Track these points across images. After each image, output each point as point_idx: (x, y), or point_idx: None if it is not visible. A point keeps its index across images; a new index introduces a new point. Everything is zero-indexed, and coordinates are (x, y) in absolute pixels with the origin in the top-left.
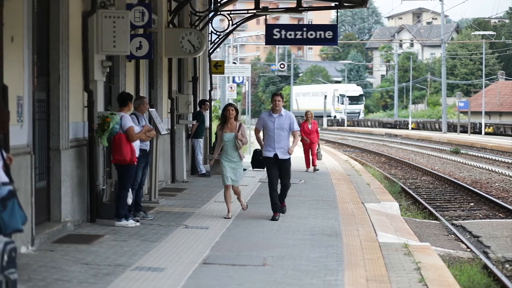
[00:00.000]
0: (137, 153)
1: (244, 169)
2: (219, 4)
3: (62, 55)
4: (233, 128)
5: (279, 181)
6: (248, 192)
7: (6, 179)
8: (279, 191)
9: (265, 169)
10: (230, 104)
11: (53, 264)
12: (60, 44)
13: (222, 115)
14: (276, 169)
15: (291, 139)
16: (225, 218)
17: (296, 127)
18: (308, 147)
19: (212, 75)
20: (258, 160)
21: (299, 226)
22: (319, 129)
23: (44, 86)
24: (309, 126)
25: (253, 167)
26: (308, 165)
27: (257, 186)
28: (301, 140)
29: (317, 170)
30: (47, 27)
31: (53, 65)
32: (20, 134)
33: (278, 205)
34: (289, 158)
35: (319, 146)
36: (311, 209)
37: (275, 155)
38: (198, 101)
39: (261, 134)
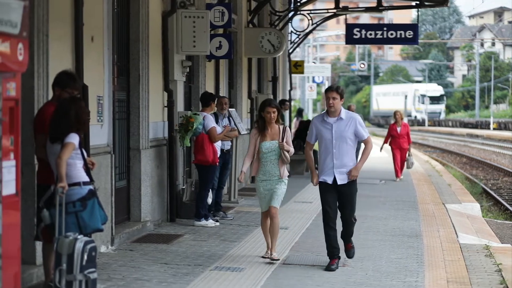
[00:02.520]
0: (218, 153)
1: None
2: (299, 4)
3: (142, 55)
4: (274, 134)
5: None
6: None
7: (86, 179)
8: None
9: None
10: (269, 104)
11: (132, 263)
12: (140, 44)
13: (259, 116)
14: (335, 197)
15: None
16: (263, 257)
17: (365, 133)
18: (397, 153)
19: (292, 75)
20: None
21: (379, 227)
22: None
23: (124, 86)
24: (398, 129)
25: None
26: (398, 174)
27: None
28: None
29: (401, 179)
30: (127, 27)
31: (133, 65)
32: (100, 133)
33: (337, 249)
34: (354, 181)
35: (410, 152)
36: (391, 210)
37: (335, 179)
38: (278, 101)
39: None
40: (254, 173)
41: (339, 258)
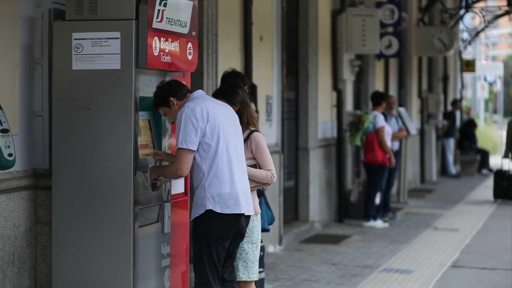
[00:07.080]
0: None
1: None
2: (470, 1)
3: (311, 54)
4: None
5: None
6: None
7: None
8: None
9: None
10: None
11: (300, 264)
12: (309, 43)
13: None
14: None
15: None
16: None
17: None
18: None
19: (463, 73)
20: (502, 187)
21: None
22: None
23: (293, 85)
24: None
25: (495, 197)
26: None
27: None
28: None
29: None
30: (296, 26)
31: (302, 64)
32: (269, 133)
33: None
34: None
35: None
36: None
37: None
38: (451, 101)
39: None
40: None
41: None
